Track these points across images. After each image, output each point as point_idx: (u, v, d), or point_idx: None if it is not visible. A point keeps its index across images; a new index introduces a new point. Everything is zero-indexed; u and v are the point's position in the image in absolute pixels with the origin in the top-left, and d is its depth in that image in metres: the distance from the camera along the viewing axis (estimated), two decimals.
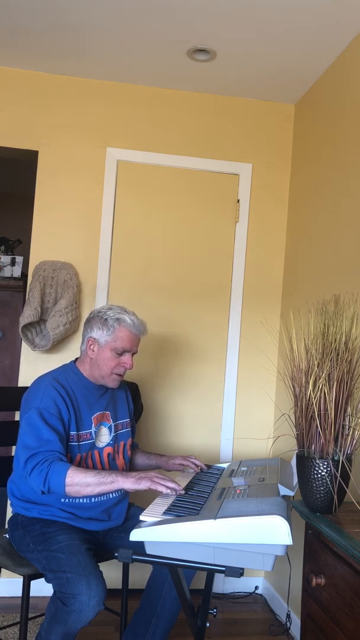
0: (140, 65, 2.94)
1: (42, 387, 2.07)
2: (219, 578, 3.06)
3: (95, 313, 2.17)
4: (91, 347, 2.14)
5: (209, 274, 3.19)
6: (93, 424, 2.15)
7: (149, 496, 1.88)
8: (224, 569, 1.58)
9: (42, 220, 3.05)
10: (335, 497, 1.71)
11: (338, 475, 1.69)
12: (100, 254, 3.08)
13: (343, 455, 1.72)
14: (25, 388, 2.32)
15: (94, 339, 2.13)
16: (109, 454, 2.19)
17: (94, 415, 2.16)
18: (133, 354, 2.17)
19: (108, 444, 2.19)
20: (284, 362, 2.97)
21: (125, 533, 2.13)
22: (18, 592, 2.90)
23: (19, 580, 2.85)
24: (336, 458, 1.71)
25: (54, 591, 1.86)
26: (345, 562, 1.56)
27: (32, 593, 2.20)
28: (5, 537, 2.22)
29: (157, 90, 3.17)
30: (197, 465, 2.26)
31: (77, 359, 2.24)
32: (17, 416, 2.79)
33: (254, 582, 3.20)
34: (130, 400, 2.38)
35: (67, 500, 2.04)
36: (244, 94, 3.19)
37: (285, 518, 1.52)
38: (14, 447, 2.51)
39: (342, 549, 1.53)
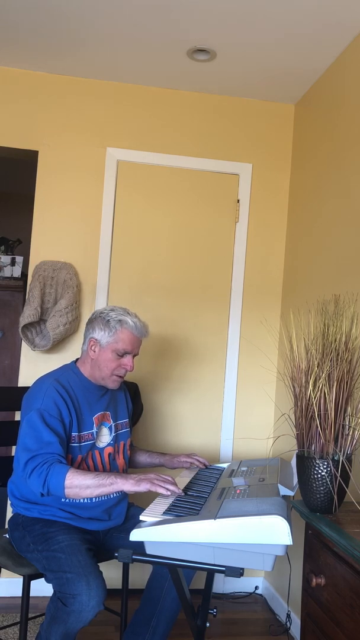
0: (141, 65, 2.94)
1: (44, 388, 2.07)
2: (219, 578, 3.06)
3: (97, 314, 2.17)
4: (92, 347, 2.14)
5: (209, 274, 3.19)
6: (94, 424, 2.15)
7: (149, 496, 1.88)
8: (224, 569, 1.58)
9: (42, 220, 3.05)
10: (335, 497, 1.71)
11: (338, 475, 1.69)
12: (100, 254, 3.08)
13: (343, 455, 1.72)
14: (25, 388, 2.32)
15: (96, 339, 2.13)
16: (109, 454, 2.19)
17: (95, 416, 2.16)
18: (134, 355, 2.17)
19: (109, 444, 2.19)
20: (284, 362, 2.97)
21: (125, 533, 2.13)
22: (18, 592, 2.90)
23: (19, 580, 2.85)
24: (336, 458, 1.71)
25: (54, 591, 1.86)
26: (345, 562, 1.56)
27: (32, 593, 2.20)
28: (5, 537, 2.22)
29: (157, 90, 3.17)
30: (200, 462, 2.28)
31: (77, 359, 2.24)
32: (17, 416, 2.79)
33: (254, 582, 3.20)
34: (130, 401, 2.38)
35: (67, 500, 2.04)
36: (244, 94, 3.19)
37: (285, 518, 1.52)
38: (14, 447, 2.51)
39: (342, 549, 1.53)
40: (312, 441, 1.74)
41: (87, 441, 2.11)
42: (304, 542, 1.82)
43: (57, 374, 2.15)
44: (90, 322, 2.17)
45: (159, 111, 3.16)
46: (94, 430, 2.14)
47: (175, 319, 3.16)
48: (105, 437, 2.19)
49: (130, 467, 2.37)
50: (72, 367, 2.20)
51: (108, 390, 2.23)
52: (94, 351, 2.13)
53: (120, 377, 2.16)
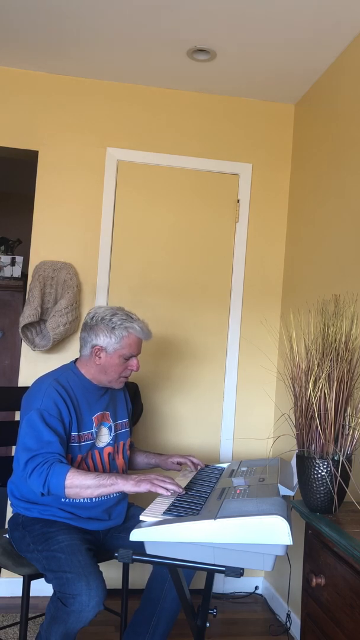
0: (140, 65, 2.94)
1: (43, 388, 2.07)
2: (219, 578, 3.06)
3: (98, 320, 2.12)
4: (97, 354, 2.11)
5: (209, 274, 3.19)
6: (94, 424, 2.15)
7: (149, 496, 1.88)
8: (224, 569, 1.58)
9: (42, 220, 3.05)
10: (335, 497, 1.71)
11: (338, 475, 1.69)
12: (100, 254, 3.08)
13: (343, 455, 1.72)
14: (25, 388, 2.32)
15: (101, 346, 2.10)
16: (109, 454, 2.19)
17: (95, 416, 2.16)
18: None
19: (108, 444, 2.19)
20: (284, 362, 2.97)
21: (125, 533, 2.13)
22: (18, 592, 2.90)
23: (19, 580, 2.85)
24: (336, 458, 1.71)
25: (54, 591, 1.86)
26: (345, 562, 1.56)
27: (32, 593, 2.20)
28: (5, 537, 2.22)
29: (157, 90, 3.17)
30: (194, 464, 2.27)
31: (76, 359, 2.24)
32: (17, 416, 2.79)
33: (254, 582, 3.20)
34: (129, 400, 2.38)
35: (67, 500, 2.04)
36: (244, 94, 3.19)
37: (285, 518, 1.52)
38: (14, 447, 2.51)
39: (342, 549, 1.53)
40: (312, 441, 1.74)
41: (86, 441, 2.11)
42: (304, 542, 1.82)
43: (57, 374, 2.15)
44: (91, 327, 2.13)
45: (159, 111, 3.16)
46: (94, 430, 2.14)
47: (175, 319, 3.16)
48: (104, 437, 2.19)
49: (129, 468, 2.37)
50: (71, 367, 2.19)
51: (108, 390, 2.23)
52: (99, 357, 2.12)
53: (126, 377, 2.18)
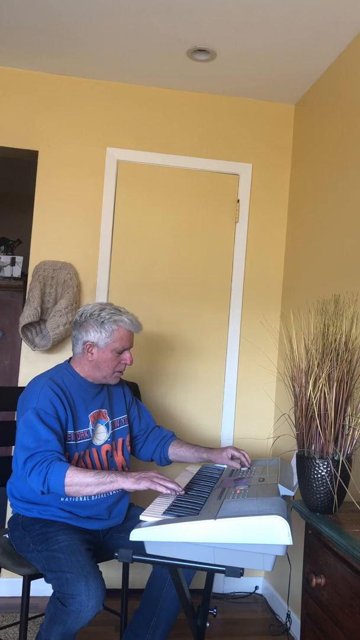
0: (140, 65, 2.94)
1: (38, 387, 2.07)
2: (219, 578, 3.06)
3: (87, 316, 2.13)
4: (89, 350, 2.13)
5: (209, 274, 3.19)
6: (90, 422, 2.15)
7: (150, 496, 1.88)
8: (224, 569, 1.58)
9: (42, 220, 3.05)
10: (335, 497, 1.71)
11: (338, 475, 1.69)
12: (100, 254, 3.08)
13: (343, 455, 1.72)
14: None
15: (92, 342, 2.12)
16: (107, 452, 2.19)
17: (91, 414, 2.16)
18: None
19: (106, 442, 2.19)
20: (284, 362, 2.97)
21: (125, 533, 2.14)
22: (18, 592, 2.90)
23: (19, 580, 2.85)
24: (336, 458, 1.71)
25: (54, 591, 1.86)
26: (345, 562, 1.56)
27: (32, 593, 2.20)
28: (5, 537, 2.22)
29: (157, 90, 3.17)
30: (248, 460, 2.22)
31: (70, 358, 2.24)
32: (16, 416, 2.79)
33: (254, 582, 3.20)
34: (128, 394, 2.37)
35: (66, 500, 2.04)
36: (244, 94, 3.19)
37: (285, 518, 1.52)
38: (14, 447, 2.51)
39: (342, 549, 1.53)
40: (312, 441, 1.74)
41: (83, 439, 2.11)
42: (304, 542, 1.82)
43: (51, 373, 2.15)
44: (81, 324, 2.14)
45: (159, 111, 3.16)
46: (90, 428, 2.14)
47: (175, 319, 3.16)
48: (102, 435, 2.19)
49: (176, 461, 2.34)
50: (66, 367, 2.20)
51: (104, 387, 2.24)
52: (92, 353, 2.12)
53: (121, 372, 2.18)
